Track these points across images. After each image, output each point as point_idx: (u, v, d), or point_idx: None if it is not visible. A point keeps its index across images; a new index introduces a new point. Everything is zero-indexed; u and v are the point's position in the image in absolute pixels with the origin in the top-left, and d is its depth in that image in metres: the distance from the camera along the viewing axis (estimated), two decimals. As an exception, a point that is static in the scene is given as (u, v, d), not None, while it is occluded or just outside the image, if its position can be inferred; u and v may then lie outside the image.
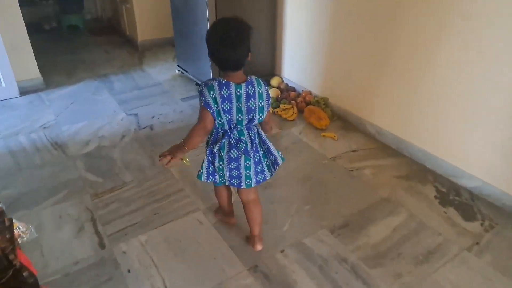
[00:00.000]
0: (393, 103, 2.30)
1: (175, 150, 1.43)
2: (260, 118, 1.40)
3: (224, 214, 1.79)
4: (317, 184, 2.06)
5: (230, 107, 1.32)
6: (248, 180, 1.44)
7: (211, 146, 1.42)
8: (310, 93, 2.95)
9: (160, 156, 1.45)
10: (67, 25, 4.78)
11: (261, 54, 3.10)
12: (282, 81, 3.26)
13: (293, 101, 2.84)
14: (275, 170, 1.51)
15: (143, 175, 2.12)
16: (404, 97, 2.22)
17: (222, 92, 1.30)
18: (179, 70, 3.46)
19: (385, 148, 2.39)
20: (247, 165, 1.41)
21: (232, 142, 1.37)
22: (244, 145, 1.37)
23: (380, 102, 2.38)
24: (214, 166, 1.44)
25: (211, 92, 1.30)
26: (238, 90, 1.33)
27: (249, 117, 1.36)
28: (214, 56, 1.33)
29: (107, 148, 2.37)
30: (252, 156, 1.41)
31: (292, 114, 2.70)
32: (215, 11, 2.65)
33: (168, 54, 3.99)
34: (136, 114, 2.79)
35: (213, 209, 1.86)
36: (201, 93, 1.32)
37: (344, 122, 2.68)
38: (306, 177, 2.12)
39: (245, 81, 1.37)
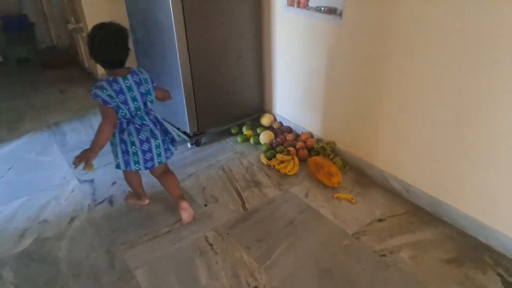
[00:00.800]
0: (424, 152, 1.76)
1: (87, 154, 1.52)
2: (150, 99, 1.62)
3: (137, 197, 1.96)
4: (341, 281, 1.49)
5: (125, 99, 1.52)
6: (159, 158, 1.69)
7: (120, 135, 1.59)
8: (311, 135, 2.40)
9: (74, 164, 1.52)
10: (16, 58, 4.11)
11: (247, 87, 2.53)
12: (275, 119, 2.69)
13: (291, 148, 2.27)
14: (175, 148, 1.78)
15: (99, 285, 1.51)
16: (439, 146, 1.68)
17: (113, 87, 1.49)
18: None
19: (418, 213, 1.84)
20: (157, 144, 1.65)
21: (137, 127, 1.59)
22: (149, 128, 1.62)
23: (406, 151, 1.84)
24: (128, 154, 1.61)
25: (104, 91, 1.47)
26: (126, 82, 1.52)
27: (143, 101, 1.59)
28: (98, 57, 1.51)
29: (50, 241, 1.74)
30: (159, 135, 1.65)
31: (292, 167, 2.13)
32: (186, 41, 2.07)
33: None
34: (91, 181, 2.16)
35: None
36: (95, 95, 1.47)
37: (359, 174, 2.13)
38: (324, 271, 1.54)
39: (129, 73, 1.54)
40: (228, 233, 1.75)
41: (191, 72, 2.17)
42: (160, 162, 1.69)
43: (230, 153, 2.38)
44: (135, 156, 1.61)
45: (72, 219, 1.87)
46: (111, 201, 1.99)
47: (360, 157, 2.11)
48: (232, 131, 2.57)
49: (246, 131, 2.52)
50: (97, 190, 2.08)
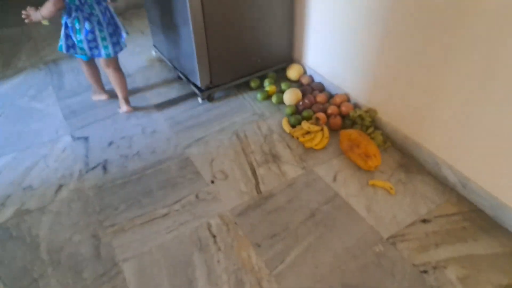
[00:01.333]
0: (493, 143, 1.33)
1: (33, 12, 1.63)
2: None
3: (97, 91, 2.06)
4: (369, 304, 1.20)
5: None
6: (106, 50, 1.73)
7: (67, 20, 1.63)
8: (347, 98, 1.95)
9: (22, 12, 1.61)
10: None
11: (273, 30, 2.04)
12: (305, 72, 2.23)
13: (321, 115, 1.86)
14: (125, 44, 1.81)
15: (80, 279, 1.29)
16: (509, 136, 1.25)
17: None
18: (156, 52, 2.45)
19: (475, 216, 1.46)
20: (103, 36, 1.69)
21: (85, 16, 1.62)
22: (97, 18, 1.64)
23: (470, 137, 1.41)
24: (72, 40, 1.68)
25: None
26: None
27: None
28: None
29: (32, 214, 1.51)
30: (105, 28, 1.68)
31: (320, 140, 1.75)
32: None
33: (147, 20, 2.91)
34: (86, 138, 1.88)
35: None
36: None
37: (403, 155, 1.73)
38: (349, 287, 1.25)
39: None
40: (235, 222, 1.46)
41: (203, 7, 1.71)
42: (108, 55, 1.75)
43: (248, 114, 2.00)
44: (80, 43, 1.69)
45: (59, 188, 1.62)
46: (105, 167, 1.71)
47: (407, 134, 1.68)
48: (252, 84, 2.15)
49: (268, 86, 2.10)
50: (91, 151, 1.80)
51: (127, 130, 1.92)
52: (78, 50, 1.71)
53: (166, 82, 2.27)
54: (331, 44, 1.93)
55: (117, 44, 1.76)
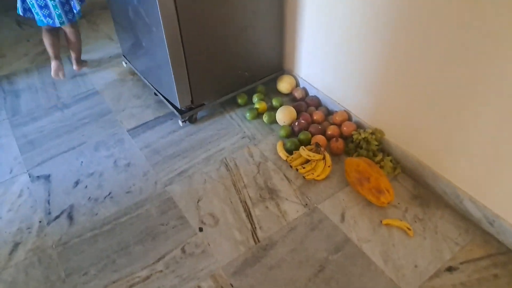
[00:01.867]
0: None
1: None
2: None
3: (55, 67, 2.01)
4: None
5: None
6: (60, 19, 1.82)
7: None
8: (348, 116, 1.73)
9: None
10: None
11: (261, 38, 1.78)
12: (297, 84, 1.98)
13: (320, 138, 1.63)
14: (79, 14, 1.89)
15: None
16: None
17: None
18: (127, 63, 2.14)
19: (506, 259, 1.27)
20: (54, 4, 1.76)
21: None
22: None
23: (499, 169, 1.21)
24: (27, 4, 1.78)
25: None
26: None
27: None
28: None
29: (-20, 286, 1.24)
30: None
31: (322, 170, 1.52)
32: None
33: (113, 25, 2.58)
34: (47, 177, 1.59)
35: None
36: None
37: (416, 183, 1.52)
38: None
39: None
40: (231, 284, 1.22)
41: (177, 11, 1.42)
42: (62, 23, 1.84)
43: (237, 137, 1.74)
44: (33, 8, 1.77)
45: (15, 247, 1.34)
46: (70, 216, 1.44)
47: (421, 161, 1.48)
48: (239, 101, 1.89)
49: (257, 103, 1.85)
50: (53, 194, 1.52)
51: (96, 163, 1.64)
52: (35, 15, 1.80)
53: (140, 100, 1.98)
54: (327, 52, 1.69)
55: (70, 12, 1.83)
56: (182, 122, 1.77)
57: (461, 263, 1.26)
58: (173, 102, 1.75)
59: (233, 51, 1.70)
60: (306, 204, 1.45)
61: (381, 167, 1.50)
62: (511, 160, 1.17)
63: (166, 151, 1.68)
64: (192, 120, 1.81)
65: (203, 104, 1.78)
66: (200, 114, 1.85)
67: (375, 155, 1.56)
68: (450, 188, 1.40)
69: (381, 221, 1.38)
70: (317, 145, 1.56)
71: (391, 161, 1.53)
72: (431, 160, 1.44)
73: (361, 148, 1.59)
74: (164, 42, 1.46)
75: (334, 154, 1.63)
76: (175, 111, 1.76)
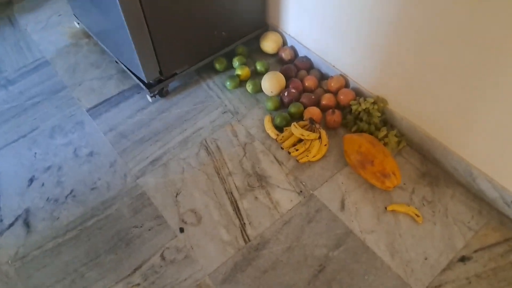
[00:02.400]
0: None
1: None
2: None
3: None
4: None
5: None
6: None
7: None
8: (345, 82, 1.49)
9: None
10: None
11: None
12: (284, 43, 1.70)
13: (314, 111, 1.41)
14: None
15: None
16: None
17: None
18: (79, 23, 1.80)
19: (524, 244, 1.16)
20: None
21: None
22: None
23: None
24: None
25: None
26: None
27: None
28: None
29: None
30: None
31: (318, 151, 1.32)
32: None
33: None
34: (-5, 176, 1.35)
35: None
36: None
37: (423, 159, 1.35)
38: None
39: None
40: (221, 295, 1.07)
41: None
42: None
43: (217, 112, 1.50)
44: None
45: (-37, 266, 1.14)
46: (27, 222, 1.23)
47: (430, 134, 1.29)
48: (217, 66, 1.62)
49: (239, 68, 1.58)
50: (3, 196, 1.29)
51: (52, 154, 1.39)
52: None
53: (100, 71, 1.68)
54: (320, 3, 1.40)
55: None
56: (151, 97, 1.51)
57: (475, 251, 1.13)
58: (137, 75, 1.47)
59: (206, 7, 1.40)
60: (301, 191, 1.27)
61: (385, 144, 1.31)
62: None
63: (135, 135, 1.44)
64: (162, 94, 1.54)
65: (175, 74, 1.51)
66: (172, 85, 1.58)
67: (377, 129, 1.36)
68: (462, 165, 1.23)
69: (385, 207, 1.22)
70: (311, 121, 1.34)
71: (395, 135, 1.34)
72: (442, 134, 1.25)
73: (361, 120, 1.39)
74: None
75: (330, 128, 1.43)
76: (141, 84, 1.49)
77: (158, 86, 1.48)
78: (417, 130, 1.32)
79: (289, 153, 1.31)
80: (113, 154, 1.38)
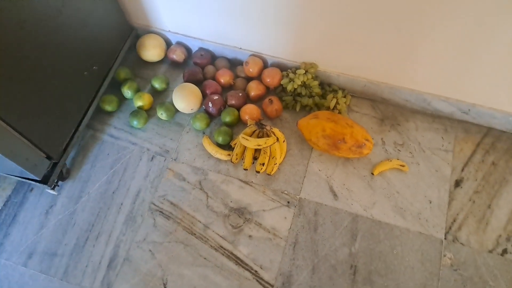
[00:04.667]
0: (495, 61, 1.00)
1: None
2: None
3: None
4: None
5: None
6: None
7: None
8: (262, 61, 1.30)
9: None
10: None
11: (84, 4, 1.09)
12: (168, 43, 1.40)
13: (252, 110, 1.22)
14: None
15: None
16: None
17: None
18: None
19: (492, 141, 1.22)
20: None
21: None
22: None
23: (464, 61, 1.04)
24: None
25: None
26: None
27: None
28: None
29: None
30: None
31: (281, 153, 1.16)
32: None
33: None
34: None
35: None
36: None
37: (373, 105, 1.29)
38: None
39: None
40: None
41: None
42: None
43: (143, 163, 1.20)
44: None
45: None
46: None
47: (373, 80, 1.22)
48: (107, 107, 1.27)
49: (137, 99, 1.26)
50: None
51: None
52: None
53: (-45, 187, 1.19)
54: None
55: None
56: (53, 188, 1.12)
57: (462, 170, 1.17)
58: (22, 176, 1.06)
59: (60, 53, 1.01)
60: (288, 202, 1.13)
61: (339, 111, 1.21)
62: (475, 53, 0.98)
63: (64, 245, 1.08)
64: (64, 177, 1.17)
65: (66, 147, 1.13)
66: (68, 158, 1.20)
67: (323, 98, 1.24)
68: (413, 96, 1.21)
69: (372, 173, 1.16)
70: (259, 124, 1.15)
71: (344, 96, 1.24)
72: (386, 75, 1.19)
73: (301, 95, 1.25)
74: None
75: (272, 119, 1.26)
76: (31, 182, 1.09)
77: (55, 173, 1.10)
78: (358, 80, 1.23)
79: (257, 172, 1.13)
80: (53, 284, 1.03)
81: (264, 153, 1.14)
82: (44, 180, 1.08)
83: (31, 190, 1.17)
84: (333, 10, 1.02)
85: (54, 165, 1.10)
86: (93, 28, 1.13)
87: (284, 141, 1.17)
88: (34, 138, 0.98)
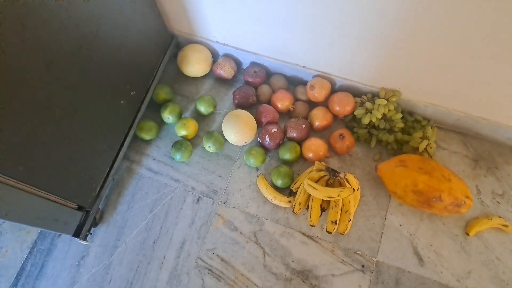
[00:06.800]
0: None
1: None
2: None
3: None
4: None
5: None
6: None
7: None
8: (330, 83, 1.06)
9: None
10: None
11: (123, 20, 0.86)
12: (215, 55, 1.18)
13: (319, 145, 1.00)
14: None
15: None
16: None
17: None
18: None
19: None
20: None
21: None
22: None
23: None
24: None
25: None
26: None
27: None
28: None
29: None
30: None
31: (355, 205, 0.96)
32: None
33: None
34: None
35: None
36: None
37: (464, 137, 1.06)
38: None
39: None
40: None
41: None
42: None
43: (188, 205, 1.02)
44: None
45: None
46: None
47: (472, 114, 0.98)
48: (145, 136, 1.07)
49: (180, 127, 1.06)
50: None
51: None
52: None
53: (-26, 226, 1.04)
54: None
55: None
56: (84, 239, 0.95)
57: None
58: (52, 230, 0.89)
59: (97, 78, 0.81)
60: (363, 266, 0.94)
61: (429, 155, 0.98)
62: None
63: (98, 307, 0.93)
64: (96, 222, 1.00)
65: (101, 189, 0.95)
66: (103, 204, 1.02)
67: (406, 132, 1.01)
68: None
69: (466, 233, 0.95)
70: (330, 170, 0.94)
71: (432, 128, 1.01)
72: (486, 111, 0.95)
73: (378, 129, 1.02)
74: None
75: (341, 155, 1.05)
76: (59, 233, 0.92)
77: (88, 221, 0.93)
78: (450, 113, 1.00)
79: (329, 232, 0.93)
80: None
81: (335, 205, 0.94)
82: (76, 233, 0.91)
83: (60, 235, 1.01)
84: (429, 29, 0.77)
85: (87, 212, 0.93)
86: (131, 45, 0.92)
87: (358, 189, 0.96)
88: (63, 193, 0.80)
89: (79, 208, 0.89)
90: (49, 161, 0.73)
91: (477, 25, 0.72)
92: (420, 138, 0.97)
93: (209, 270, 0.95)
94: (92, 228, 1.00)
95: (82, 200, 0.88)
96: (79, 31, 0.73)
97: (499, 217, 0.96)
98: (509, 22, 0.69)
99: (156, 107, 1.11)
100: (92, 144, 0.86)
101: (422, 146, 0.95)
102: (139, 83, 1.02)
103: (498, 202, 0.98)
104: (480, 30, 0.73)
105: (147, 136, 1.07)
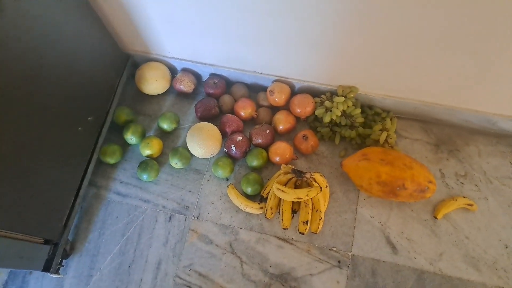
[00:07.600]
0: None
1: None
2: None
3: None
4: None
5: None
6: None
7: None
8: (289, 87, 1.08)
9: None
10: None
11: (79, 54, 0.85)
12: (173, 71, 1.17)
13: (284, 148, 1.01)
14: None
15: None
16: None
17: None
18: None
19: None
20: None
21: None
22: None
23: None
24: None
25: None
26: None
27: None
28: None
29: None
30: None
31: (325, 202, 0.97)
32: None
33: None
34: None
35: None
36: None
37: (423, 123, 1.09)
38: None
39: None
40: None
41: None
42: None
43: (160, 225, 1.01)
44: None
45: None
46: None
47: (427, 101, 1.01)
48: (109, 160, 1.06)
49: (144, 146, 1.05)
50: None
51: None
52: None
53: None
54: None
55: None
56: (55, 273, 0.93)
57: (538, 202, 0.99)
58: (27, 267, 0.86)
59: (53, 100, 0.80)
60: (339, 261, 0.95)
61: (390, 145, 1.00)
62: None
63: None
64: (68, 254, 0.98)
65: (67, 220, 0.93)
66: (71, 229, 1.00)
67: (367, 125, 1.04)
68: (475, 116, 1.01)
69: (435, 217, 0.98)
70: (296, 172, 0.95)
71: (390, 119, 1.03)
72: (441, 97, 0.98)
73: (340, 126, 1.04)
74: None
75: (307, 155, 1.06)
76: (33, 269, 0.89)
77: (57, 254, 0.91)
78: (408, 102, 1.03)
79: (301, 233, 0.94)
80: None
81: (305, 206, 0.95)
82: (46, 268, 0.89)
83: (31, 272, 0.98)
84: (381, 26, 0.80)
85: (55, 245, 0.91)
86: (83, 69, 0.91)
87: (326, 187, 0.98)
88: (24, 229, 0.78)
89: (46, 241, 0.87)
90: (4, 198, 0.71)
91: (417, 20, 0.75)
92: (380, 130, 1.00)
93: (188, 287, 0.94)
94: (64, 260, 0.97)
95: (48, 233, 0.86)
96: (21, 63, 0.71)
97: (464, 197, 0.99)
98: (446, 13, 0.72)
99: (119, 129, 1.09)
100: (51, 174, 0.84)
101: (382, 138, 0.97)
102: (97, 107, 1.00)
103: (461, 183, 1.02)
104: (420, 24, 0.75)
105: (111, 160, 1.05)
